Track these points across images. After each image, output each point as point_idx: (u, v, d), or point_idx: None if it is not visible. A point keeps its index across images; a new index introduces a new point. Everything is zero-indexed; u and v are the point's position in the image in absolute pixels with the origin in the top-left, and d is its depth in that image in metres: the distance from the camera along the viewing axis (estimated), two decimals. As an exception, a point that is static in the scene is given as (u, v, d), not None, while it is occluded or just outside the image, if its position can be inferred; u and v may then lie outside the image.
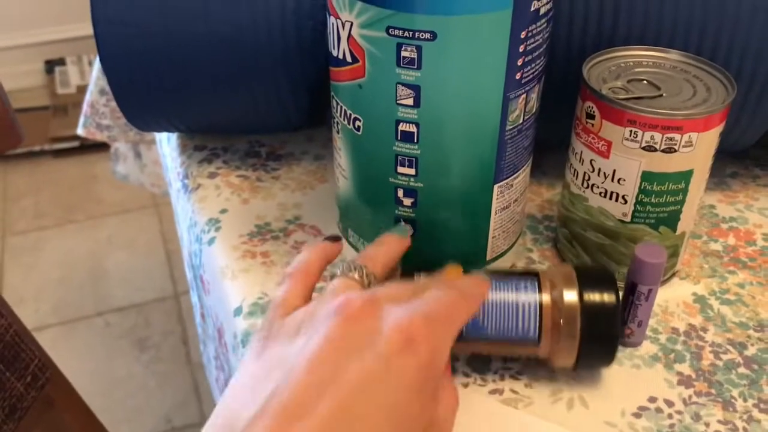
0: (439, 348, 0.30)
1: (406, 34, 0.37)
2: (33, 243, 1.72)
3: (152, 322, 1.54)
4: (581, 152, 0.45)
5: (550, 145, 0.54)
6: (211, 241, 0.52)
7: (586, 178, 0.45)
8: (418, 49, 0.37)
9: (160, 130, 0.58)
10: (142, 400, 1.38)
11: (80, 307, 1.57)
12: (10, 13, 2.12)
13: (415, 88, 0.39)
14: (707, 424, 0.40)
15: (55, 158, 1.99)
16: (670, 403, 0.41)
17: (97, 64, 1.03)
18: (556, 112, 0.49)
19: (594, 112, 0.43)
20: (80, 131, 1.07)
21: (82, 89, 2.09)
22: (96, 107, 1.05)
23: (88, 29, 2.14)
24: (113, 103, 1.05)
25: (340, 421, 0.27)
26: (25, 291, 1.55)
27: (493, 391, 0.42)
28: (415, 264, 0.45)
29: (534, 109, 0.43)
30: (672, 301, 0.47)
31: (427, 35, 0.37)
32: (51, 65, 2.18)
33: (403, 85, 0.39)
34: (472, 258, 0.46)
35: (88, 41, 2.16)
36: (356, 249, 0.47)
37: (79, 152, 1.98)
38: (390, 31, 0.37)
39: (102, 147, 1.93)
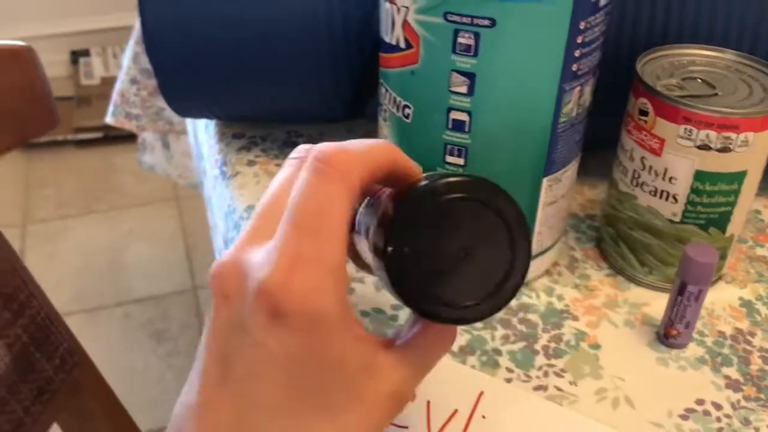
0: (316, 291, 0.25)
1: (464, 20, 0.36)
2: (54, 232, 1.73)
3: (170, 314, 1.54)
4: (632, 149, 0.44)
5: (594, 143, 0.53)
6: (249, 228, 0.52)
7: (636, 175, 0.44)
8: (476, 36, 0.37)
9: (199, 116, 0.58)
10: (158, 392, 1.38)
11: (100, 297, 1.57)
12: (38, 3, 2.13)
13: (470, 76, 0.38)
14: (757, 429, 0.39)
15: (78, 148, 2.00)
16: (718, 406, 0.40)
17: (128, 53, 1.03)
18: (603, 110, 0.49)
19: (648, 108, 0.42)
20: (109, 120, 1.07)
21: (105, 80, 2.10)
22: (126, 96, 1.05)
23: (113, 21, 2.16)
24: (144, 93, 1.05)
25: (241, 425, 0.26)
26: (45, 279, 1.56)
27: (537, 388, 0.41)
28: None
29: (587, 103, 0.42)
30: (718, 304, 0.46)
31: (486, 22, 0.36)
32: (76, 56, 2.19)
33: (458, 72, 0.38)
34: (517, 253, 0.45)
35: (113, 33, 2.17)
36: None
37: (102, 143, 1.99)
38: (448, 16, 0.37)
39: (124, 139, 1.94)
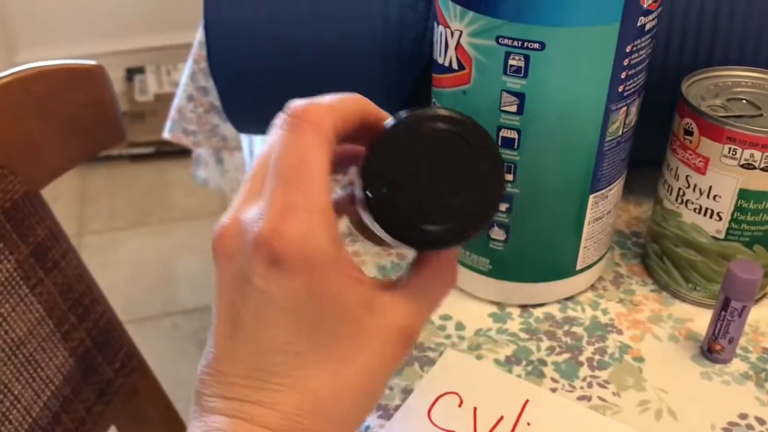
0: (308, 234, 0.27)
1: (515, 43, 0.38)
2: (107, 243, 1.79)
3: (217, 325, 1.57)
4: (677, 168, 0.46)
5: (640, 162, 0.54)
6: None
7: (681, 193, 0.46)
8: (526, 58, 0.39)
9: (259, 132, 0.60)
10: (204, 401, 1.41)
11: (149, 307, 1.62)
12: (96, 23, 2.22)
13: (520, 96, 0.40)
14: (800, 444, 0.40)
15: (131, 163, 2.06)
16: (761, 421, 0.41)
17: (186, 71, 1.07)
18: (647, 130, 0.50)
19: (692, 128, 0.44)
20: (167, 135, 1.12)
21: (159, 97, 2.16)
22: (183, 112, 1.09)
23: (167, 40, 2.23)
24: (200, 110, 1.09)
25: (256, 370, 0.28)
26: (98, 288, 1.61)
27: (581, 398, 0.42)
28: (506, 271, 0.46)
29: (632, 122, 0.44)
30: (763, 321, 0.47)
31: (536, 45, 0.38)
32: (131, 73, 2.26)
33: (508, 92, 0.40)
34: (563, 266, 0.47)
35: (168, 51, 2.24)
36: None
37: (155, 158, 2.05)
38: (499, 40, 0.39)
39: (176, 154, 1.99)
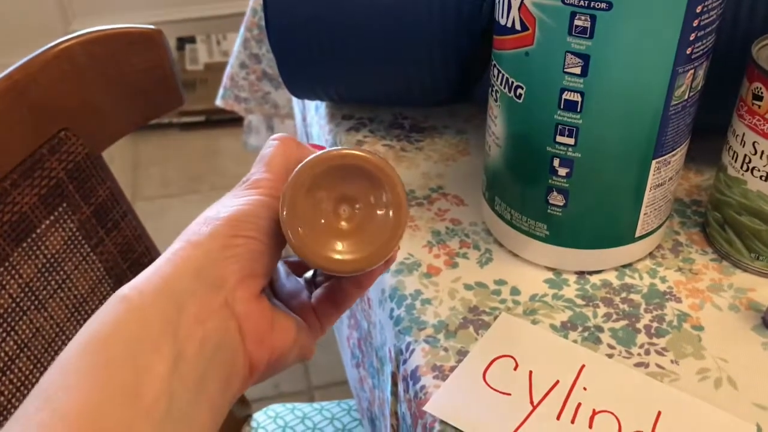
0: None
1: (581, 2, 0.38)
2: (158, 209, 1.82)
3: (265, 292, 1.60)
4: (743, 134, 0.44)
5: (703, 128, 0.53)
6: (359, 203, 0.54)
7: (747, 160, 0.45)
8: (592, 18, 0.38)
9: (313, 97, 0.61)
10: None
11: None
12: (148, -8, 2.24)
13: (584, 58, 0.39)
14: None
15: (182, 131, 2.09)
16: (825, 392, 0.40)
17: (239, 39, 1.08)
18: (715, 96, 0.49)
19: (762, 93, 0.42)
20: (219, 102, 1.13)
21: (209, 66, 2.18)
22: (236, 80, 1.10)
23: (217, 10, 2.24)
24: (252, 77, 1.10)
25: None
26: (150, 253, 1.65)
27: (638, 364, 0.42)
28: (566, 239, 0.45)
29: (699, 86, 0.43)
30: (828, 292, 0.46)
31: (603, 5, 0.37)
32: (182, 42, 2.29)
33: (573, 53, 0.39)
34: (621, 233, 0.46)
35: (217, 21, 2.25)
36: (502, 218, 0.48)
37: (205, 126, 2.07)
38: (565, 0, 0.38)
39: (226, 123, 2.02)
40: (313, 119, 0.71)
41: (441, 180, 0.56)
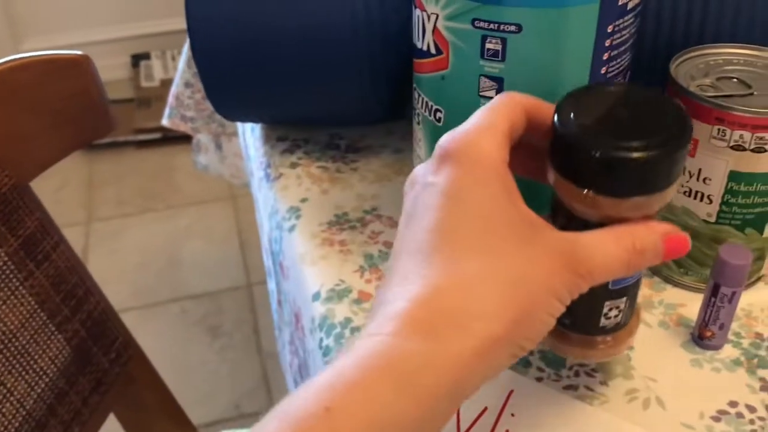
0: (477, 140, 0.31)
1: (491, 26, 0.37)
2: (115, 229, 1.79)
3: (225, 310, 1.58)
4: (665, 150, 0.44)
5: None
6: (291, 229, 0.53)
7: (670, 176, 0.44)
8: (503, 41, 0.38)
9: (245, 120, 0.60)
10: (213, 386, 1.42)
11: (157, 293, 1.62)
12: (101, 10, 2.21)
13: (498, 80, 0.39)
14: (791, 432, 0.39)
15: (138, 149, 2.06)
16: (752, 409, 0.40)
17: (183, 57, 1.07)
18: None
19: (681, 109, 0.42)
20: (165, 122, 1.11)
21: (165, 83, 2.16)
22: (181, 99, 1.08)
23: (172, 25, 2.22)
24: (198, 96, 1.09)
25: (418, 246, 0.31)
26: (107, 274, 1.62)
27: (567, 387, 0.42)
28: None
29: (618, 105, 0.42)
30: (756, 305, 0.46)
31: (513, 27, 0.37)
32: (137, 59, 2.26)
33: (487, 77, 0.39)
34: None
35: (172, 37, 2.23)
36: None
37: (161, 144, 2.05)
38: (475, 23, 0.38)
39: (182, 139, 1.99)
40: (250, 140, 0.70)
41: (376, 201, 0.56)
